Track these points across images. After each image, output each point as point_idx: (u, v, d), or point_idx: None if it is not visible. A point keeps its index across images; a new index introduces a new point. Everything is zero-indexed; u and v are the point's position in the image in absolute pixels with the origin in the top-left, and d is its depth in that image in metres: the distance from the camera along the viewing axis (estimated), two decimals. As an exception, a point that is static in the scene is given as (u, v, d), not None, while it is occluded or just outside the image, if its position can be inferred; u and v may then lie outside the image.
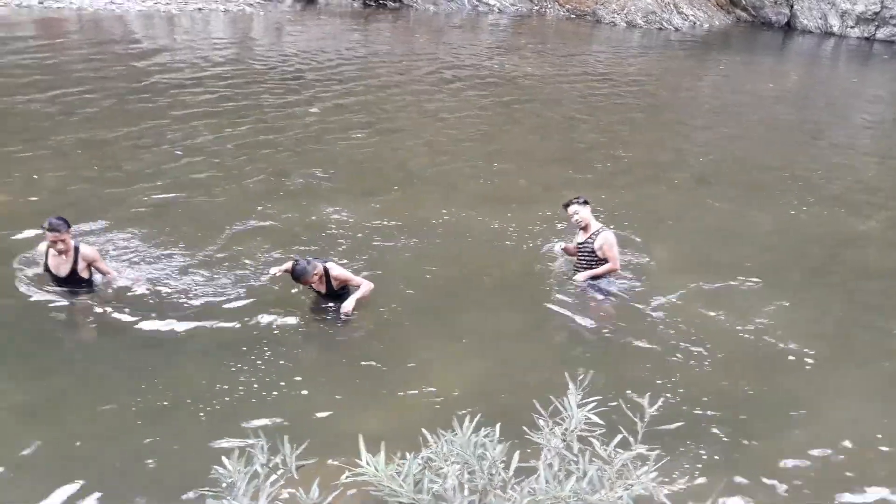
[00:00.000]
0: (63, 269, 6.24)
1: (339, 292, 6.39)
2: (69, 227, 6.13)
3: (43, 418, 5.05)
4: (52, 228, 6.03)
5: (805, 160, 12.32)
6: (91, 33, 17.94)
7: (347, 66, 16.76)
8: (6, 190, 8.54)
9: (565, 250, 7.41)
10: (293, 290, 6.60)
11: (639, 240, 8.24)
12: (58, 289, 6.32)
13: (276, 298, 6.58)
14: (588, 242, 7.06)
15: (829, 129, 15.05)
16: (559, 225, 8.41)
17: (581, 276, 7.05)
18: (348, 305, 6.24)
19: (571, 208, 7.05)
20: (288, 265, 6.32)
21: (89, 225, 7.69)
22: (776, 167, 11.76)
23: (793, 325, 6.77)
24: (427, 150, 11.35)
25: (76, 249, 6.22)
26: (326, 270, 6.30)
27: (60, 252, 6.16)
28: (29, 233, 7.41)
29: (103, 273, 6.44)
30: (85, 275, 6.31)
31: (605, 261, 7.02)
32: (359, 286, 6.37)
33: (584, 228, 7.08)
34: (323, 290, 6.37)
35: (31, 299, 6.27)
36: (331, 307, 6.43)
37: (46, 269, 6.30)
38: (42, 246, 6.33)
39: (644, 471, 2.29)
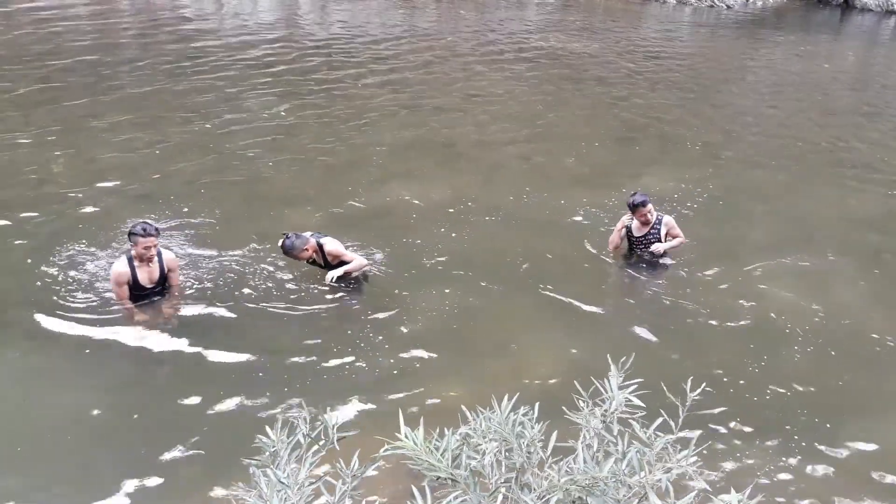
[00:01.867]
0: (154, 275, 5.91)
1: (337, 267, 6.29)
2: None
3: (111, 398, 5.23)
4: (149, 234, 5.61)
5: (862, 142, 11.95)
6: (140, 6, 18.18)
7: (393, 43, 16.73)
8: (60, 162, 8.77)
9: (614, 248, 7.24)
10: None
11: (692, 221, 8.13)
12: (143, 295, 5.95)
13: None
14: (653, 234, 7.01)
15: (887, 111, 14.55)
16: (608, 205, 8.34)
17: (661, 247, 6.99)
18: (334, 273, 6.17)
19: (648, 206, 6.87)
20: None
21: (141, 201, 7.88)
22: (831, 149, 11.46)
23: (856, 310, 6.67)
24: (474, 129, 11.30)
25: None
26: (320, 245, 6.23)
27: (148, 260, 5.80)
28: (86, 207, 7.63)
29: (172, 284, 6.07)
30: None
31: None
32: (352, 261, 6.31)
33: (647, 222, 7.01)
34: (321, 263, 6.34)
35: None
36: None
37: (135, 283, 5.84)
38: (120, 265, 5.81)
39: (684, 454, 2.27)
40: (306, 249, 6.16)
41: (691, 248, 7.47)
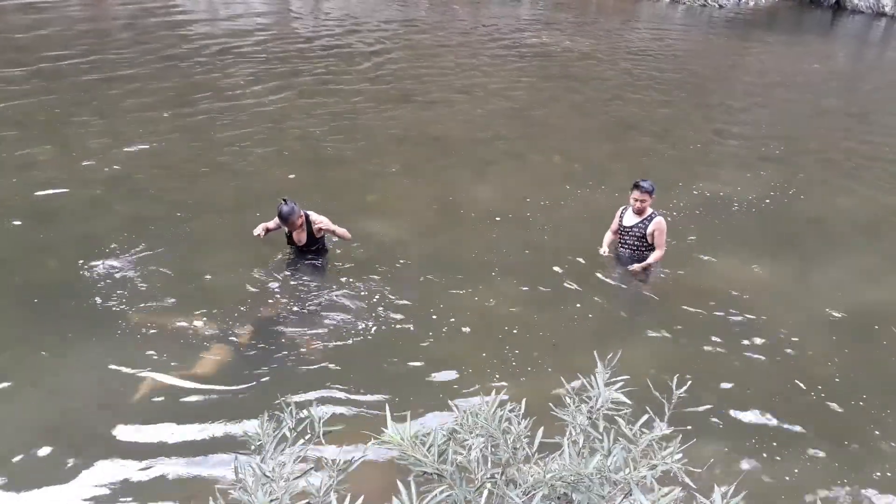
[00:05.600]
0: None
1: (318, 244, 6.67)
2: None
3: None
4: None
5: (851, 143, 12.02)
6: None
7: (385, 37, 16.69)
8: (50, 154, 8.70)
9: (608, 244, 7.16)
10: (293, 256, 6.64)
11: (679, 219, 8.15)
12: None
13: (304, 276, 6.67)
14: (640, 226, 6.90)
15: (876, 112, 14.63)
16: (597, 202, 8.35)
17: (637, 267, 6.90)
18: (328, 223, 6.53)
19: (644, 194, 6.74)
20: (271, 223, 6.49)
21: (131, 195, 7.84)
22: (821, 149, 11.51)
23: (843, 309, 6.72)
24: (464, 124, 11.29)
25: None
26: (307, 216, 6.52)
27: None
28: (74, 201, 7.57)
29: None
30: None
31: (652, 245, 6.90)
32: (338, 232, 6.65)
33: (640, 212, 6.92)
34: (304, 238, 6.57)
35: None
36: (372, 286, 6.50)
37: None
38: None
39: (669, 451, 2.28)
40: (301, 216, 6.45)
41: (678, 245, 7.50)
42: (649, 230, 6.88)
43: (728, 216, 8.63)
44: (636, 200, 6.83)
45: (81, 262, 6.41)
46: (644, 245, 6.95)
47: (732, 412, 5.29)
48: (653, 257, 6.91)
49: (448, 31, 18.26)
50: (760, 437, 5.07)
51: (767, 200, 9.14)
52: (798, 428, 5.20)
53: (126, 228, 7.06)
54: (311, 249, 6.68)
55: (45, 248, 6.65)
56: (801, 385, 5.67)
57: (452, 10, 21.59)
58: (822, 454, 4.97)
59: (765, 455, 4.90)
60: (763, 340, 6.18)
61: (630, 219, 6.99)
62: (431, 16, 20.26)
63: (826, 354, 6.09)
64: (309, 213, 6.56)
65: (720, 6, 26.24)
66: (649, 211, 6.92)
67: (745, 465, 4.76)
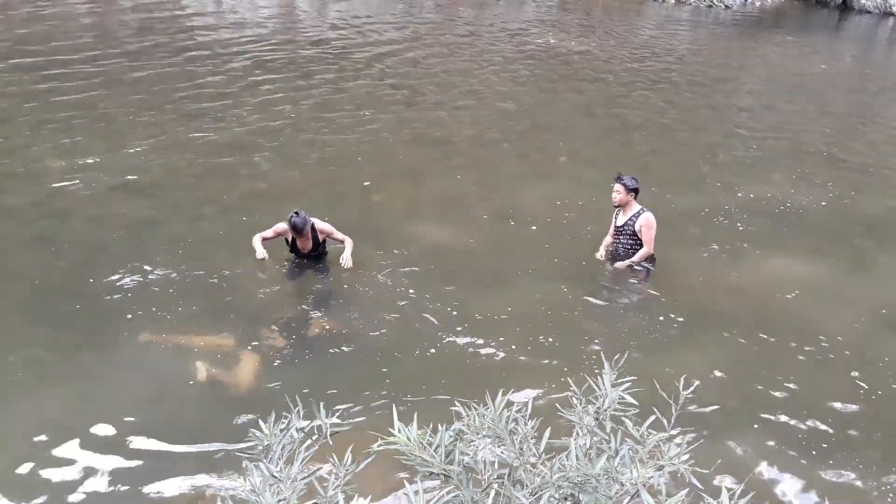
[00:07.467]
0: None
1: (321, 249, 6.67)
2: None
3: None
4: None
5: (859, 144, 11.97)
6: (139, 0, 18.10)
7: (391, 39, 16.70)
8: (58, 156, 8.73)
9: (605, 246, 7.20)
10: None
11: (686, 219, 8.13)
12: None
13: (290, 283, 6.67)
14: (629, 223, 6.88)
15: (883, 113, 14.56)
16: (600, 202, 8.33)
17: (621, 265, 6.91)
18: (348, 257, 6.49)
19: (621, 187, 6.77)
20: (269, 233, 6.50)
21: (137, 196, 7.86)
22: (828, 150, 11.46)
23: (857, 314, 6.69)
24: (469, 125, 11.28)
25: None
26: (312, 224, 6.52)
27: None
28: (82, 202, 7.60)
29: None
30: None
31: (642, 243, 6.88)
32: (342, 241, 6.63)
33: (623, 207, 6.90)
34: (309, 246, 6.58)
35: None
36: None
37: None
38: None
39: (676, 452, 2.28)
40: (310, 225, 6.47)
41: (690, 244, 7.47)
42: (637, 226, 6.86)
43: (733, 215, 8.60)
44: (613, 192, 6.84)
45: (89, 266, 6.43)
46: (637, 242, 6.93)
47: (742, 412, 5.27)
48: (638, 255, 6.89)
49: (453, 32, 18.26)
50: (770, 438, 5.05)
51: (775, 201, 9.10)
52: (820, 429, 5.17)
53: (133, 231, 7.08)
54: (315, 254, 6.69)
55: (55, 251, 6.66)
56: (815, 388, 5.65)
57: (457, 11, 21.58)
58: (831, 456, 4.95)
59: (775, 455, 4.88)
60: (772, 341, 6.15)
61: (621, 218, 7.00)
62: (437, 17, 20.25)
63: (853, 355, 6.06)
64: (314, 220, 6.56)
65: (726, 6, 26.15)
66: (637, 207, 6.90)
67: (754, 465, 4.74)
